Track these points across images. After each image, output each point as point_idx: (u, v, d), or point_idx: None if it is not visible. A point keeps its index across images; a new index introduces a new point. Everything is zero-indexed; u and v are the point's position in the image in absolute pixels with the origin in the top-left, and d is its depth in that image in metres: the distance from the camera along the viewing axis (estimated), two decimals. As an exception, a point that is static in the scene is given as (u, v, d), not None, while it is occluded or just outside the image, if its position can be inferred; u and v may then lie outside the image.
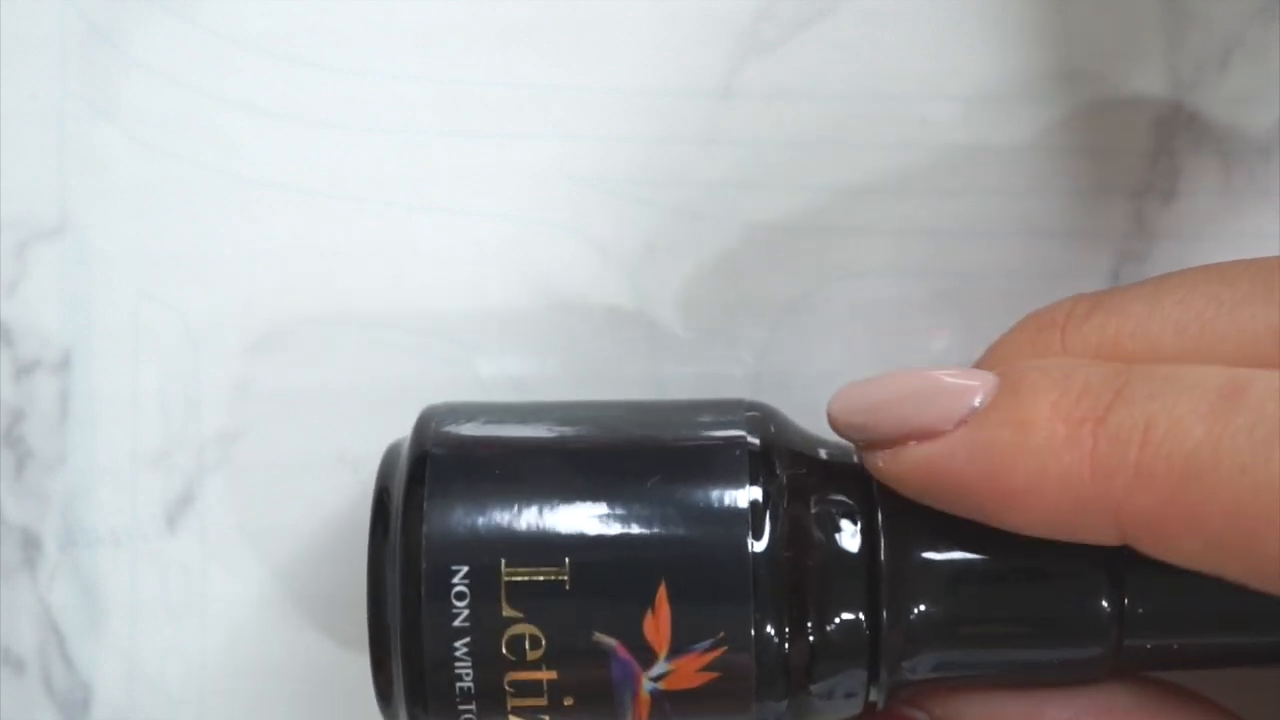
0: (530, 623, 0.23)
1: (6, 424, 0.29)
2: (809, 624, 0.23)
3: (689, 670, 0.23)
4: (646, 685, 0.23)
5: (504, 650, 0.23)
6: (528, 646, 0.23)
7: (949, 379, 0.22)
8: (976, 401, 0.22)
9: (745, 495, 0.23)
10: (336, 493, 0.29)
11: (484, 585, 0.23)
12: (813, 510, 0.23)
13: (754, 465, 0.23)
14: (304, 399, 0.29)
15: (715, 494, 0.23)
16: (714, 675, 0.23)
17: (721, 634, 0.22)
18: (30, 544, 0.29)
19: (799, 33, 0.28)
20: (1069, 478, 0.21)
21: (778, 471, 0.23)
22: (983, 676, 0.24)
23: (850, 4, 0.28)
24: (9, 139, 0.28)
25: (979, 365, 0.25)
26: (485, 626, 0.23)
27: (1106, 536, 0.21)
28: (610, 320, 0.29)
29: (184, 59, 0.28)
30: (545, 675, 0.23)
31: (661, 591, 0.22)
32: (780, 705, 0.23)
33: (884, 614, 0.23)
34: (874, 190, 0.28)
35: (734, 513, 0.23)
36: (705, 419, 0.24)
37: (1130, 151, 0.28)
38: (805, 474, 0.24)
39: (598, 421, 0.24)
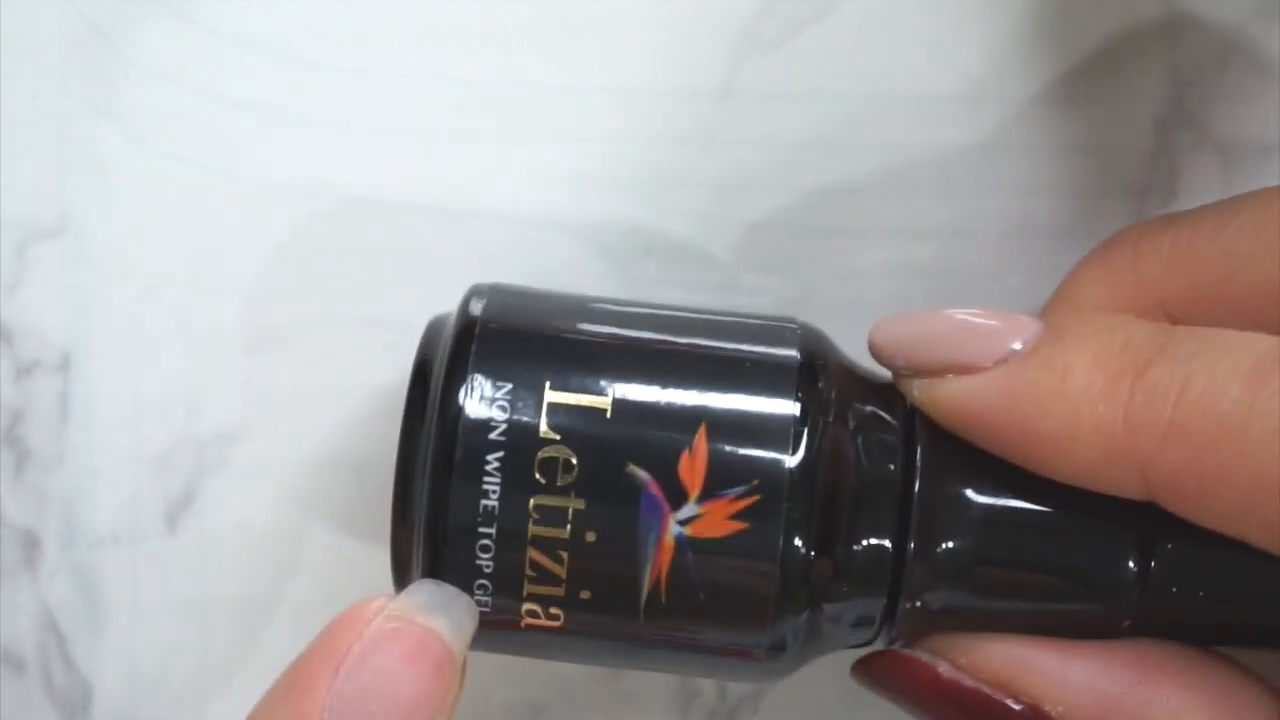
0: (566, 445, 0.22)
1: (6, 424, 0.29)
2: (837, 535, 0.23)
3: (718, 516, 0.22)
4: (673, 528, 0.22)
5: (535, 472, 0.22)
6: (560, 470, 0.22)
7: (993, 320, 0.23)
8: (1018, 344, 0.22)
9: (794, 358, 0.23)
10: (337, 493, 0.29)
11: (526, 403, 0.22)
12: (851, 425, 0.23)
13: (801, 369, 0.23)
14: (304, 399, 0.29)
15: (764, 350, 0.23)
16: (742, 525, 0.22)
17: (755, 481, 0.22)
18: (30, 544, 0.29)
19: (799, 33, 0.28)
20: (1101, 428, 0.21)
21: (820, 382, 0.23)
22: (997, 622, 0.23)
23: (850, 4, 0.28)
24: (9, 139, 0.28)
25: (1049, 306, 0.25)
26: (520, 443, 0.22)
27: (1133, 490, 0.22)
28: (610, 320, 0.29)
29: (184, 59, 0.28)
30: (572, 503, 0.22)
31: (702, 432, 0.22)
32: (799, 619, 0.23)
33: (911, 544, 0.23)
34: (874, 190, 0.28)
35: (782, 369, 0.23)
36: (755, 323, 0.24)
37: (1130, 151, 0.28)
38: (849, 391, 0.24)
39: (651, 305, 0.25)
